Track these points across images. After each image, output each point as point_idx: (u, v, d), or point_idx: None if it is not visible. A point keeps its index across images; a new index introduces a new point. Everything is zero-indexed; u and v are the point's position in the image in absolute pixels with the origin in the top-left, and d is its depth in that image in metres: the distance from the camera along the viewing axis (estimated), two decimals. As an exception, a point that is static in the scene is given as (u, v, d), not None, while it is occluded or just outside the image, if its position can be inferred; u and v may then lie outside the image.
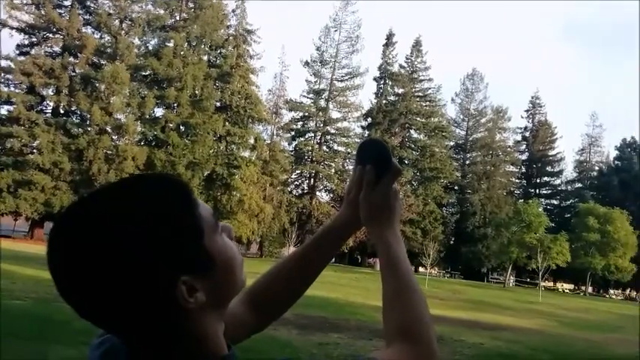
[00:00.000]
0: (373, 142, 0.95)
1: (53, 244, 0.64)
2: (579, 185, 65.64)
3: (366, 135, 55.64)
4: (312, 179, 55.03)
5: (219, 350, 0.69)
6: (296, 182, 56.63)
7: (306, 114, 55.86)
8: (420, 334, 0.80)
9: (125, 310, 0.63)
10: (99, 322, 0.66)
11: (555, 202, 66.68)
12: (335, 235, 1.00)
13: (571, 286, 57.23)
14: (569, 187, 66.82)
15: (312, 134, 55.97)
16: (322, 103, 55.73)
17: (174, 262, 0.64)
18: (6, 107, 38.38)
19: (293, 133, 55.39)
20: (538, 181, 67.03)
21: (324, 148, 55.64)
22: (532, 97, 68.83)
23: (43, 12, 38.98)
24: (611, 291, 56.48)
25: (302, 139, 55.49)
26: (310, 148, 54.61)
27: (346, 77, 56.21)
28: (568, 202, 64.09)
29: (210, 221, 0.69)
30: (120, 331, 0.67)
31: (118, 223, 0.63)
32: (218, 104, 44.92)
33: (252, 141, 46.03)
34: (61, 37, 39.89)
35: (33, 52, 39.71)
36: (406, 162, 56.61)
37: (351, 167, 54.81)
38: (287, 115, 55.23)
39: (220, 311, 0.71)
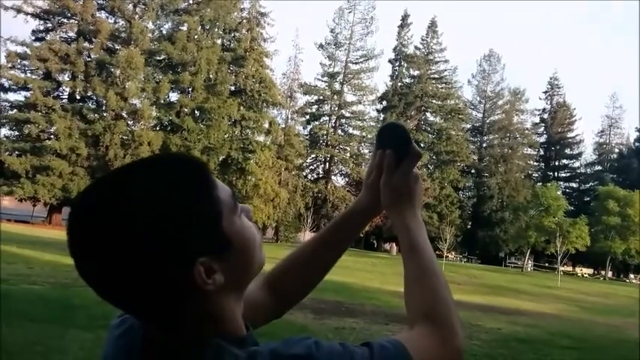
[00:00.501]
0: (393, 126, 0.95)
1: (72, 225, 0.65)
2: (599, 168, 64.46)
3: (381, 118, 55.22)
4: (327, 163, 54.89)
5: (237, 331, 0.70)
6: (311, 167, 56.57)
7: (321, 97, 55.53)
8: (442, 316, 0.80)
9: (143, 290, 0.64)
10: (117, 303, 0.67)
11: (574, 185, 65.68)
12: (355, 220, 1.00)
13: (590, 271, 56.56)
14: (588, 170, 65.70)
15: (327, 118, 55.70)
16: (337, 86, 55.31)
17: (192, 243, 0.64)
18: (23, 93, 38.83)
19: (308, 117, 55.16)
20: (557, 163, 66.01)
21: (339, 131, 55.36)
22: (550, 78, 67.48)
23: (57, -3, 39.07)
24: (632, 275, 55.71)
25: (317, 122, 55.24)
26: (325, 132, 54.37)
27: (361, 60, 55.66)
28: (587, 185, 63.08)
29: (229, 203, 0.69)
30: (138, 312, 0.68)
31: (136, 204, 0.63)
32: (232, 88, 44.84)
33: (266, 125, 45.95)
34: (76, 22, 40.00)
35: (48, 37, 39.92)
36: (422, 145, 56.04)
37: (366, 151, 54.63)
38: (301, 99, 55.06)
39: (239, 292, 0.72)
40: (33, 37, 39.76)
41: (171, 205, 0.64)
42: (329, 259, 1.00)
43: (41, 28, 40.37)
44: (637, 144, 62.73)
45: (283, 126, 49.21)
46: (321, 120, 55.73)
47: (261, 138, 45.80)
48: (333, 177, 54.42)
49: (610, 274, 52.25)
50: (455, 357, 0.78)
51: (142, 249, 0.62)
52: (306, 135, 54.20)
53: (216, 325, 0.68)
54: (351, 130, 56.08)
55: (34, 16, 39.53)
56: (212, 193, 0.68)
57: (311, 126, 54.97)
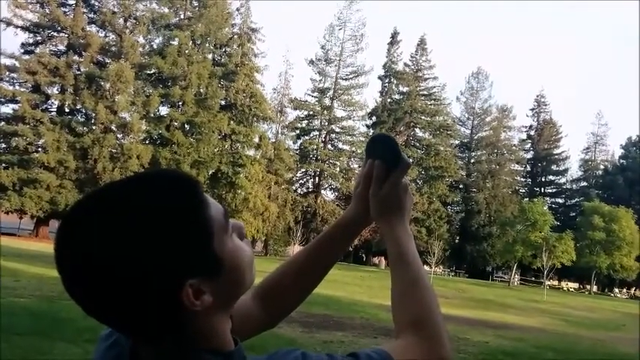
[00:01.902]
0: (383, 137, 0.95)
1: (60, 240, 0.63)
2: (584, 184, 65.31)
3: (371, 134, 55.54)
4: (317, 178, 55.02)
5: (225, 346, 0.69)
6: (301, 181, 56.65)
7: (311, 112, 55.82)
8: (429, 326, 0.79)
9: (129, 309, 0.63)
10: (103, 319, 0.65)
11: (560, 200, 66.41)
12: (345, 231, 1.00)
13: (576, 285, 56.95)
14: (574, 186, 66.52)
15: (317, 133, 55.94)
16: (327, 101, 55.67)
17: (182, 265, 0.63)
18: (11, 106, 38.59)
19: (298, 131, 55.36)
20: (543, 179, 66.76)
21: (329, 146, 55.60)
22: (537, 96, 68.51)
23: (47, 10, 39.11)
24: (616, 290, 56.18)
25: (307, 137, 55.45)
26: (315, 146, 54.58)
27: (351, 76, 56.15)
28: (573, 201, 63.80)
29: (220, 222, 0.67)
30: (124, 329, 0.66)
31: (125, 222, 0.62)
32: (223, 103, 44.94)
33: (256, 139, 46.02)
34: (66, 35, 40.01)
35: (38, 50, 39.83)
36: (411, 160, 56.19)
37: (355, 165, 54.86)
38: (292, 114, 55.25)
39: (227, 310, 0.71)
40: (22, 50, 39.68)
41: (162, 225, 0.62)
42: (320, 271, 1.00)
43: (31, 41, 40.32)
44: (622, 161, 63.73)
45: (273, 140, 49.32)
46: (311, 135, 55.97)
47: (251, 152, 45.86)
48: (322, 191, 54.57)
49: (595, 288, 52.63)
50: None
51: (129, 268, 0.61)
52: (296, 149, 54.36)
53: (204, 341, 0.67)
54: (340, 145, 56.36)
55: (24, 29, 39.50)
56: (204, 213, 0.66)
57: (301, 140, 55.16)
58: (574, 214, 58.40)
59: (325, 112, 55.23)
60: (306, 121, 55.95)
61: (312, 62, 56.16)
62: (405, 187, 0.93)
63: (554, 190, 66.83)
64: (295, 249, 44.11)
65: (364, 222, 0.98)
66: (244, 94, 44.73)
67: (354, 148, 54.72)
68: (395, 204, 0.91)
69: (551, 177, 66.87)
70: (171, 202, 0.64)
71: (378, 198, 0.91)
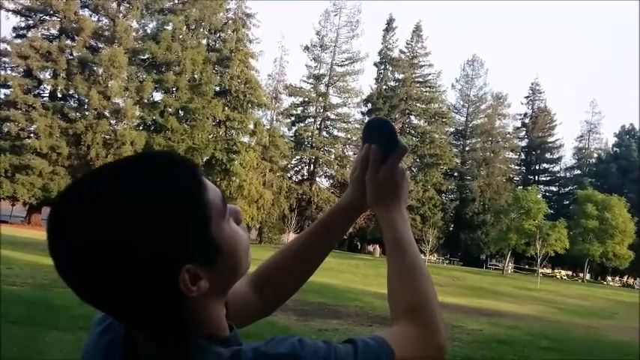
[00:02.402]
0: (379, 121, 0.94)
1: (52, 225, 0.62)
2: (578, 172, 65.59)
3: (366, 120, 55.34)
4: (311, 165, 54.90)
5: (221, 332, 0.69)
6: (296, 168, 56.52)
7: (306, 99, 55.53)
8: (425, 312, 0.79)
9: (124, 294, 0.62)
10: (98, 305, 0.64)
11: (554, 188, 66.67)
12: (341, 216, 0.98)
13: (569, 273, 57.46)
14: (567, 174, 66.82)
15: (312, 120, 55.71)
16: (322, 88, 55.37)
17: (179, 250, 0.62)
18: (3, 91, 38.11)
19: (293, 118, 55.11)
20: (537, 167, 66.97)
21: (324, 133, 55.42)
22: (532, 84, 68.47)
23: (39, -6, 38.48)
24: (609, 278, 56.73)
25: (302, 124, 55.22)
26: (310, 133, 54.37)
27: (346, 62, 55.80)
28: (567, 189, 64.11)
29: (218, 206, 0.67)
30: (119, 315, 0.66)
31: (120, 206, 0.60)
32: (217, 89, 44.60)
33: (251, 126, 45.79)
34: (58, 19, 39.42)
35: (30, 34, 39.26)
36: (408, 146, 56.26)
37: (350, 153, 54.74)
38: (287, 101, 54.96)
39: (223, 295, 0.71)
40: (14, 34, 39.13)
41: (159, 209, 0.61)
42: (316, 257, 0.99)
43: (22, 25, 39.73)
44: (615, 149, 63.97)
45: (268, 127, 49.09)
46: (306, 122, 55.72)
47: (245, 139, 45.65)
48: (317, 179, 54.45)
49: (588, 276, 53.14)
50: (436, 354, 0.77)
51: (123, 254, 0.60)
52: (291, 136, 54.14)
53: (200, 327, 0.67)
54: (335, 132, 56.22)
55: (16, 12, 38.90)
56: (202, 197, 0.65)
57: (296, 127, 54.92)
58: (567, 202, 58.75)
59: (320, 98, 54.96)
60: (301, 108, 55.69)
61: (307, 48, 55.79)
62: (402, 172, 0.91)
63: (548, 178, 67.08)
64: (290, 237, 44.12)
65: (361, 207, 0.96)
66: (239, 80, 44.38)
67: (349, 135, 54.58)
68: (392, 189, 0.90)
69: (545, 165, 67.09)
70: (168, 185, 0.63)
71: (374, 183, 0.90)
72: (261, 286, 0.95)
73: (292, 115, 54.97)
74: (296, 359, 0.63)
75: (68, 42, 39.44)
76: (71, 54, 39.69)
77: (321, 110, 55.13)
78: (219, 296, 0.70)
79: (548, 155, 66.45)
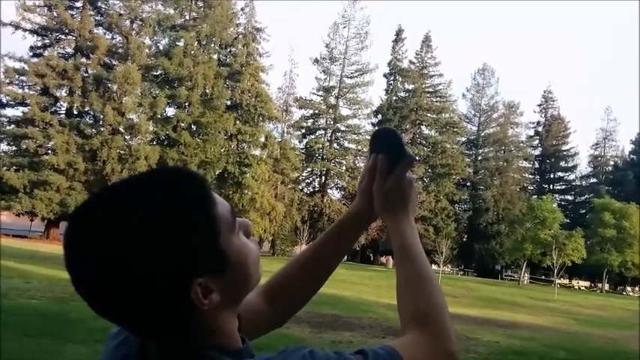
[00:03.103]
0: (386, 131, 0.95)
1: (68, 240, 0.64)
2: (594, 180, 64.77)
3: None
4: (323, 177, 54.99)
5: (234, 344, 0.70)
6: (307, 180, 56.64)
7: (316, 111, 55.80)
8: (435, 321, 0.78)
9: (137, 308, 0.63)
10: (112, 319, 0.66)
11: (570, 197, 65.88)
12: (350, 227, 0.99)
13: (587, 283, 56.49)
14: (583, 183, 66.00)
15: (323, 132, 55.90)
16: (332, 100, 55.62)
17: (190, 264, 0.64)
18: (21, 109, 38.89)
19: (303, 130, 55.36)
20: (552, 176, 66.29)
21: (335, 145, 55.55)
22: (544, 92, 68.06)
23: (55, 14, 39.37)
24: (628, 288, 55.66)
25: (312, 136, 55.44)
26: (321, 145, 54.54)
27: (356, 74, 56.04)
28: (583, 198, 63.27)
29: (227, 220, 0.68)
30: (132, 328, 0.67)
31: (132, 221, 0.62)
32: (228, 103, 45.04)
33: (262, 139, 46.08)
34: (74, 38, 40.25)
35: (46, 53, 40.10)
36: (417, 158, 56.17)
37: (361, 164, 54.54)
38: (297, 113, 55.26)
39: (234, 308, 0.72)
40: (31, 53, 39.97)
41: (169, 223, 0.63)
42: (327, 267, 1.00)
43: (39, 44, 40.62)
44: (632, 156, 63.12)
45: (279, 140, 49.34)
46: (317, 134, 55.95)
47: (257, 152, 45.92)
48: (329, 190, 54.53)
49: (607, 286, 52.23)
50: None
51: (135, 268, 0.61)
52: (302, 149, 54.36)
53: (212, 339, 0.67)
54: (346, 144, 56.29)
55: (32, 32, 39.79)
56: (210, 210, 0.66)
57: (307, 140, 55.15)
58: (584, 211, 57.99)
59: (330, 110, 55.19)
60: (311, 120, 55.95)
61: (316, 61, 56.17)
62: (410, 182, 0.92)
63: (563, 186, 66.35)
64: (302, 249, 44.09)
65: (369, 217, 0.97)
66: (250, 94, 44.79)
67: (359, 147, 54.60)
68: (399, 198, 0.91)
69: (560, 174, 66.39)
70: (178, 199, 0.64)
71: (382, 192, 0.91)
72: (272, 296, 0.96)
73: (303, 127, 55.23)
74: None
75: (83, 60, 40.21)
76: (86, 71, 40.44)
77: (332, 122, 55.33)
78: (231, 308, 0.70)
79: (562, 163, 65.79)
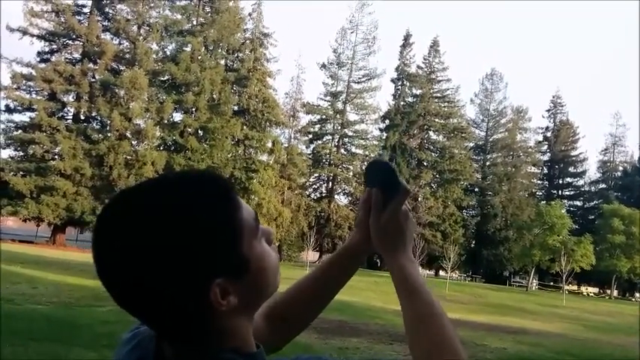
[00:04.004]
0: (379, 164, 0.94)
1: (97, 235, 0.66)
2: (603, 186, 64.29)
3: (384, 137, 55.42)
4: (330, 182, 54.92)
5: (248, 348, 0.71)
6: (314, 186, 56.59)
7: (324, 117, 55.81)
8: (450, 355, 0.78)
9: (159, 304, 0.65)
10: (134, 313, 0.68)
11: (579, 203, 65.41)
12: (348, 259, 1.00)
13: (596, 290, 55.98)
14: (592, 188, 65.50)
15: (330, 137, 55.88)
16: (339, 105, 55.63)
17: (211, 264, 0.65)
18: (28, 114, 39.11)
19: (310, 136, 55.39)
20: (560, 182, 65.88)
21: (342, 150, 55.51)
22: (553, 97, 67.81)
23: (62, 19, 39.64)
24: (637, 294, 55.09)
25: (319, 142, 55.43)
26: (328, 151, 54.51)
27: (363, 79, 56.06)
28: (592, 204, 62.78)
29: (250, 225, 0.70)
30: (152, 324, 0.69)
31: (158, 220, 0.64)
32: (235, 108, 45.14)
33: (269, 144, 46.13)
34: (81, 43, 40.51)
35: (53, 59, 40.36)
36: (425, 164, 56.14)
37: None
38: (304, 118, 55.33)
39: (251, 313, 0.73)
40: (38, 59, 40.20)
41: (194, 223, 0.65)
42: (326, 296, 1.00)
43: (46, 49, 40.85)
44: (641, 162, 62.65)
45: (286, 145, 49.39)
46: (324, 139, 55.93)
47: (264, 157, 45.95)
48: (336, 196, 54.40)
49: (616, 292, 51.71)
50: None
51: (160, 264, 0.63)
52: (309, 154, 54.34)
53: (229, 341, 0.69)
54: (353, 149, 56.26)
55: (40, 37, 40.05)
56: (235, 214, 0.68)
57: (314, 145, 55.15)
58: (593, 216, 57.49)
59: (338, 115, 55.19)
60: (318, 126, 55.97)
61: (324, 66, 56.25)
62: (406, 214, 0.90)
63: (572, 192, 65.90)
64: (309, 254, 44.07)
65: (366, 249, 0.96)
66: (257, 99, 44.88)
67: (367, 152, 54.55)
68: (396, 233, 0.89)
69: (568, 179, 65.96)
70: (204, 201, 0.66)
71: (378, 227, 0.89)
72: (272, 319, 0.96)
73: (310, 132, 55.26)
74: None
75: (91, 65, 40.43)
76: (93, 77, 40.66)
77: (339, 127, 55.31)
78: (248, 313, 0.72)
79: (571, 169, 65.40)
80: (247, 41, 47.14)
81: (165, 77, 43.03)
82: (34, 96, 39.17)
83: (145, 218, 0.65)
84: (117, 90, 39.81)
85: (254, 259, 0.69)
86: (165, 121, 42.00)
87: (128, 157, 39.58)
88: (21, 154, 38.74)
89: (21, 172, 37.34)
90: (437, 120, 58.08)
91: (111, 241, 0.65)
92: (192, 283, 0.64)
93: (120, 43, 42.38)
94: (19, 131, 38.56)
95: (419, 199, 52.83)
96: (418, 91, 58.15)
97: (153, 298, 0.65)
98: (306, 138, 55.08)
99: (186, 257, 0.64)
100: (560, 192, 64.20)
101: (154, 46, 43.44)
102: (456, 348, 0.79)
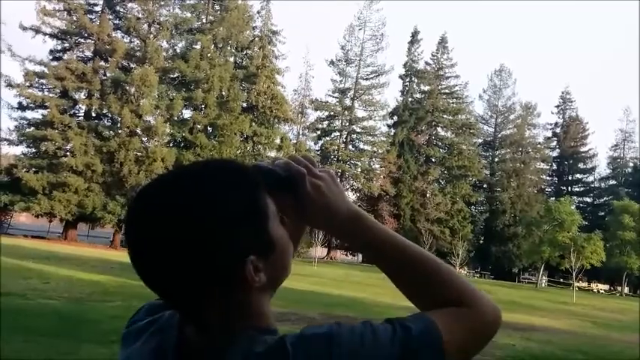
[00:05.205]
0: (258, 171, 0.78)
1: (132, 216, 0.71)
2: (613, 182, 63.70)
3: (392, 133, 55.33)
4: (338, 179, 54.87)
5: (270, 325, 0.75)
6: (322, 182, 56.58)
7: (332, 113, 55.83)
8: (465, 294, 0.77)
9: (194, 283, 0.69)
10: (164, 294, 0.73)
11: (588, 199, 64.91)
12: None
13: (606, 287, 55.57)
14: (602, 184, 64.94)
15: (338, 133, 55.92)
16: (348, 102, 55.61)
17: (246, 242, 0.71)
18: (40, 111, 39.52)
19: (319, 132, 55.45)
20: (570, 178, 65.39)
21: (350, 147, 55.51)
22: (562, 92, 67.28)
23: (74, 18, 39.95)
24: (649, 291, 54.64)
25: (328, 138, 55.48)
26: (336, 147, 54.56)
27: (371, 75, 55.99)
28: (602, 200, 62.30)
29: (273, 209, 0.75)
30: (183, 303, 0.73)
31: (196, 201, 0.69)
32: (244, 105, 45.30)
33: (278, 141, 46.26)
34: (92, 41, 40.82)
35: (65, 57, 40.69)
36: (433, 160, 56.01)
37: (377, 166, 54.65)
38: (312, 115, 55.41)
39: (272, 292, 0.78)
40: (51, 57, 40.57)
41: (230, 204, 0.70)
42: None
43: (59, 47, 41.21)
44: (652, 158, 62.02)
45: (294, 141, 49.49)
46: (332, 135, 55.98)
47: (272, 154, 46.06)
48: (344, 192, 54.42)
49: (626, 289, 51.30)
50: (489, 329, 0.77)
51: (199, 244, 0.68)
52: (317, 150, 54.41)
53: (253, 318, 0.73)
54: (362, 146, 56.25)
55: (52, 36, 40.43)
56: (262, 196, 0.74)
57: (322, 141, 55.20)
58: (603, 213, 57.06)
59: (346, 112, 55.18)
60: (326, 122, 56.00)
61: (332, 63, 56.24)
62: (317, 188, 0.78)
63: (581, 188, 65.38)
64: (317, 250, 44.15)
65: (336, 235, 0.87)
66: (265, 96, 45.00)
67: (375, 149, 54.50)
68: (325, 212, 0.79)
69: (578, 175, 65.46)
70: (238, 184, 0.73)
71: (309, 219, 0.81)
72: None
73: (318, 129, 55.31)
74: (332, 337, 0.67)
75: (102, 63, 40.73)
76: (105, 74, 40.95)
77: (347, 124, 55.31)
78: (270, 293, 0.77)
79: (581, 165, 64.86)
80: (256, 39, 47.25)
81: (175, 75, 43.26)
82: (46, 93, 39.54)
83: (186, 198, 0.69)
84: (127, 87, 40.06)
85: (278, 239, 0.75)
86: (175, 118, 42.22)
87: (138, 154, 39.84)
88: (33, 150, 39.14)
89: (33, 169, 37.76)
90: (445, 116, 57.88)
91: (147, 222, 0.70)
92: (230, 260, 0.69)
93: (130, 41, 42.63)
94: (32, 128, 38.97)
95: (427, 195, 52.71)
96: (426, 88, 57.99)
97: (188, 277, 0.69)
98: (315, 134, 55.18)
99: (224, 235, 0.69)
100: (569, 188, 63.73)
101: (164, 44, 43.67)
102: (466, 285, 0.78)
